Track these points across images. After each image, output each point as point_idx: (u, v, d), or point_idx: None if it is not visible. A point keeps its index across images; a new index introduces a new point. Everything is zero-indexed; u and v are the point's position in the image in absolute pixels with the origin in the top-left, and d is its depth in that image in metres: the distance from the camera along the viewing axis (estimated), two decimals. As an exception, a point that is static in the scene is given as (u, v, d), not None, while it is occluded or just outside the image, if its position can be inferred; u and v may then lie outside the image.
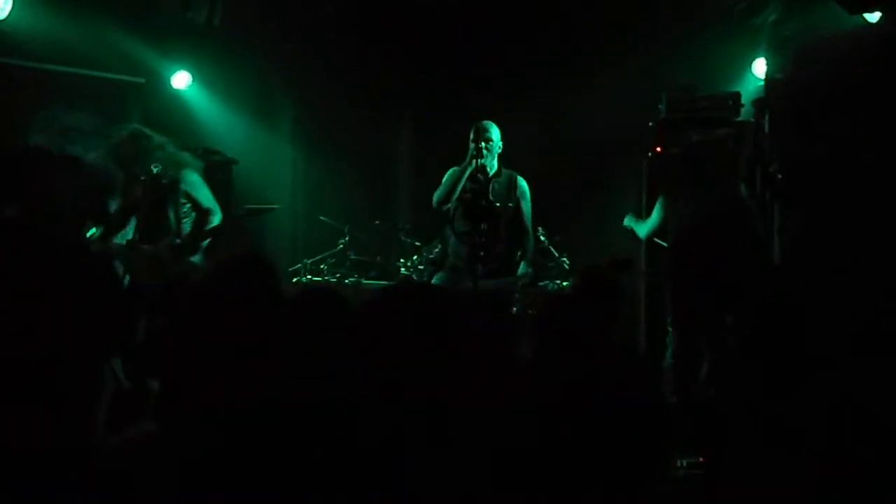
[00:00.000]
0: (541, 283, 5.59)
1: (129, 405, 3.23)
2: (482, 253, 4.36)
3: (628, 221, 4.87)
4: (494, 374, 2.44)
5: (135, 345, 3.22)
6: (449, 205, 4.50)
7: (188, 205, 4.45)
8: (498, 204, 4.45)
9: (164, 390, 2.35)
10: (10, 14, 4.35)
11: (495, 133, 4.50)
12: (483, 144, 4.42)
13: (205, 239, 4.47)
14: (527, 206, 4.58)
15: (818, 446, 2.61)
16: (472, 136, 4.48)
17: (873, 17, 4.67)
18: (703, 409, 3.73)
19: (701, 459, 3.31)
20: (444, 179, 4.59)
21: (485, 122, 4.53)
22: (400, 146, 6.68)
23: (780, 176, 4.33)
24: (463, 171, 4.44)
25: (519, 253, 4.58)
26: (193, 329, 2.34)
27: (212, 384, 2.15)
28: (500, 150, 4.53)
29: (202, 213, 4.46)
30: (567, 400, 2.47)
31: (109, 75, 5.01)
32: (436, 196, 4.55)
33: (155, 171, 4.32)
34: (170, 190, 4.41)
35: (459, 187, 4.44)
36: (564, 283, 5.66)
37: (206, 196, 4.49)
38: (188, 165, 4.48)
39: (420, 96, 6.42)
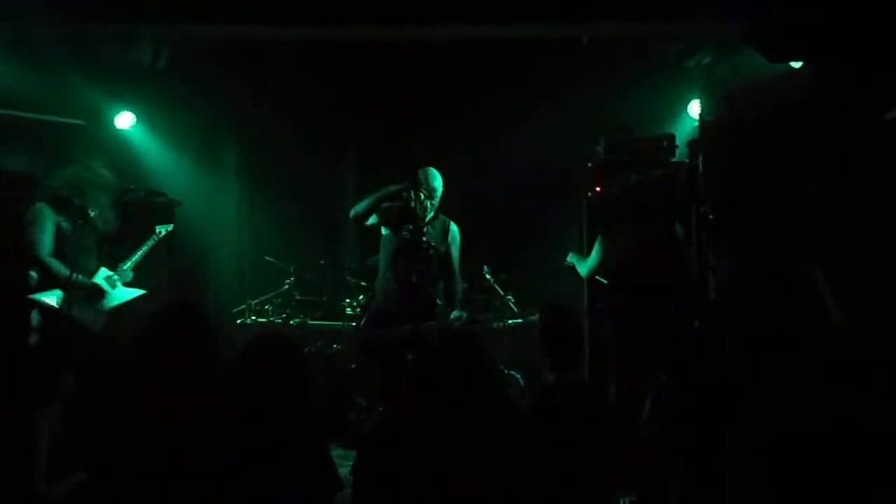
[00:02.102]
0: (484, 321, 5.66)
1: (64, 455, 3.16)
2: (412, 296, 4.40)
3: (571, 259, 4.96)
4: None
5: (62, 396, 3.16)
6: (369, 222, 4.49)
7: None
8: (432, 245, 4.50)
9: (93, 443, 2.31)
10: (-56, 56, 4.28)
11: (439, 185, 4.54)
12: (425, 195, 4.46)
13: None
14: (455, 250, 4.63)
15: (751, 482, 2.69)
16: (419, 179, 4.49)
17: (797, 63, 4.92)
18: (644, 445, 3.79)
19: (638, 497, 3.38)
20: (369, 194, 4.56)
21: (431, 170, 4.54)
22: (345, 186, 6.71)
23: (711, 216, 4.46)
24: (391, 194, 4.43)
25: (449, 297, 4.62)
26: (120, 382, 2.32)
27: (139, 438, 2.12)
28: (439, 199, 4.58)
29: None
30: None
31: (48, 117, 4.95)
32: (355, 209, 4.50)
33: (92, 214, 4.27)
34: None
35: (371, 201, 4.40)
36: (509, 321, 5.74)
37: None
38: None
39: (363, 135, 6.49)
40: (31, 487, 3.13)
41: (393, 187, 4.47)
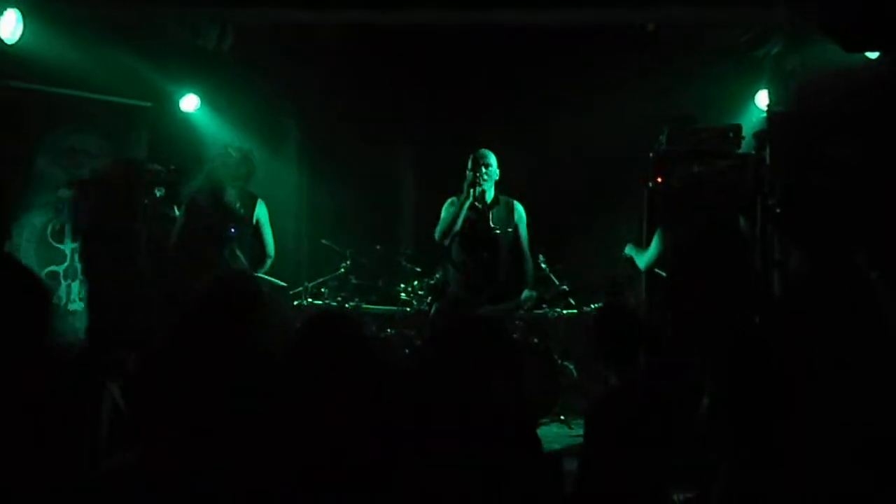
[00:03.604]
0: (540, 311, 5.62)
1: (126, 429, 3.25)
2: (482, 281, 4.40)
3: (629, 251, 4.88)
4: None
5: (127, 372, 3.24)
6: (448, 239, 4.53)
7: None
8: (497, 230, 4.49)
9: (150, 417, 2.35)
10: (20, 38, 4.41)
11: (492, 160, 4.55)
12: (482, 171, 4.47)
13: None
14: (524, 230, 4.62)
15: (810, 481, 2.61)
16: (469, 164, 4.53)
17: (873, 53, 4.71)
18: (701, 443, 3.72)
19: (695, 494, 3.31)
20: (442, 212, 4.63)
21: (482, 150, 4.58)
22: (402, 171, 6.74)
23: (778, 210, 4.33)
24: (462, 204, 4.48)
25: (520, 278, 4.60)
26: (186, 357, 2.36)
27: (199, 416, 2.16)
28: (497, 178, 4.57)
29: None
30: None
31: (118, 99, 5.07)
32: (437, 231, 4.60)
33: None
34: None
35: (460, 220, 4.47)
36: (564, 311, 5.68)
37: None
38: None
39: (422, 122, 6.49)
40: (94, 457, 3.23)
41: (467, 202, 4.46)
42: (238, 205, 4.74)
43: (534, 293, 4.61)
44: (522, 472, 2.48)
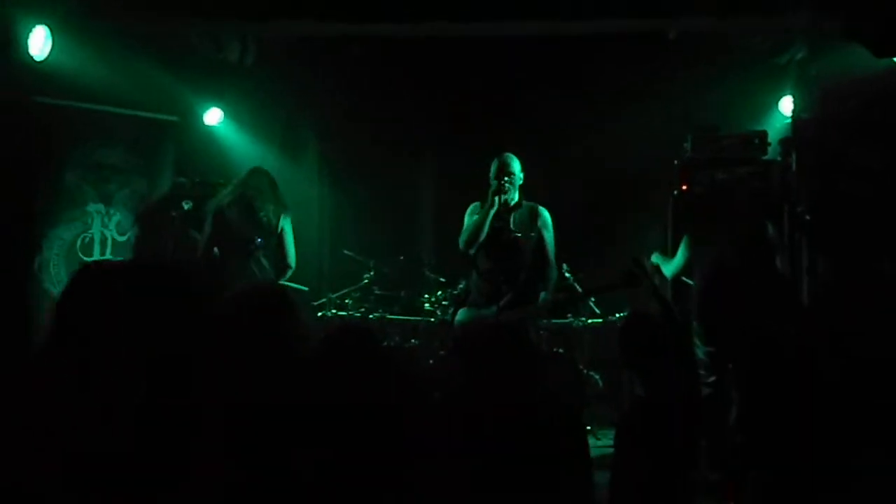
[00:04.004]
0: (565, 321, 5.60)
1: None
2: (504, 287, 4.32)
3: (655, 259, 4.85)
4: None
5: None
6: (475, 247, 4.47)
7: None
8: (519, 234, 4.40)
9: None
10: (49, 54, 4.47)
11: (516, 165, 4.47)
12: (506, 179, 4.40)
13: None
14: (549, 235, 4.50)
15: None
16: (493, 170, 4.45)
17: (901, 58, 4.67)
18: (732, 454, 3.68)
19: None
20: (466, 219, 4.54)
21: (506, 154, 4.51)
22: (423, 181, 6.74)
23: (808, 217, 4.29)
24: (487, 213, 4.39)
25: (541, 283, 4.51)
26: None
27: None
28: (521, 182, 4.51)
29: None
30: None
31: (144, 114, 5.12)
32: (462, 240, 4.49)
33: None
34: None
35: (485, 229, 4.39)
36: (590, 321, 5.66)
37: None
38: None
39: (443, 133, 6.49)
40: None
41: (492, 211, 4.40)
42: (265, 214, 4.80)
43: (550, 297, 4.52)
44: (564, 469, 2.46)
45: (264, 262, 4.80)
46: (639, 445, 2.94)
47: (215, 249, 4.74)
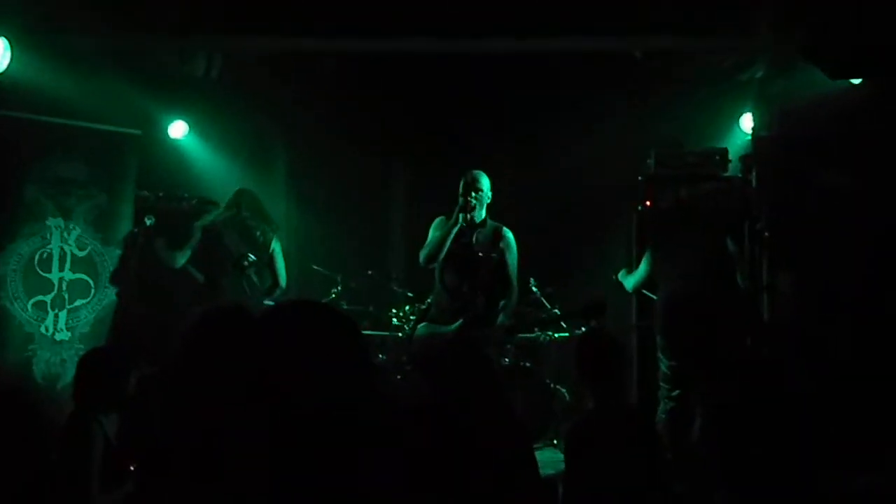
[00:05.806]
0: (531, 335, 5.62)
1: (119, 463, 3.20)
2: (464, 305, 4.29)
3: (621, 276, 4.89)
4: None
5: (124, 401, 3.19)
6: (436, 263, 4.43)
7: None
8: (480, 254, 4.36)
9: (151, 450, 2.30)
10: (7, 66, 4.39)
11: (485, 183, 4.44)
12: (472, 195, 4.36)
13: None
14: (512, 258, 4.42)
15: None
16: (461, 187, 4.42)
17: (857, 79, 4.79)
18: (695, 467, 3.72)
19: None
20: (430, 233, 4.50)
21: (474, 171, 4.47)
22: (393, 196, 6.74)
23: (766, 233, 4.38)
24: (450, 230, 4.35)
25: (501, 304, 4.48)
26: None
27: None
28: (489, 201, 4.49)
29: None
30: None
31: (106, 127, 5.03)
32: (422, 254, 4.40)
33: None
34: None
35: (447, 246, 4.34)
36: (556, 335, 5.69)
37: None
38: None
39: (413, 148, 6.50)
40: (85, 494, 3.17)
41: (455, 228, 4.37)
42: (260, 233, 5.04)
43: (508, 321, 4.50)
44: (520, 495, 2.46)
45: (255, 279, 4.95)
46: (586, 457, 2.97)
47: (195, 270, 4.94)
